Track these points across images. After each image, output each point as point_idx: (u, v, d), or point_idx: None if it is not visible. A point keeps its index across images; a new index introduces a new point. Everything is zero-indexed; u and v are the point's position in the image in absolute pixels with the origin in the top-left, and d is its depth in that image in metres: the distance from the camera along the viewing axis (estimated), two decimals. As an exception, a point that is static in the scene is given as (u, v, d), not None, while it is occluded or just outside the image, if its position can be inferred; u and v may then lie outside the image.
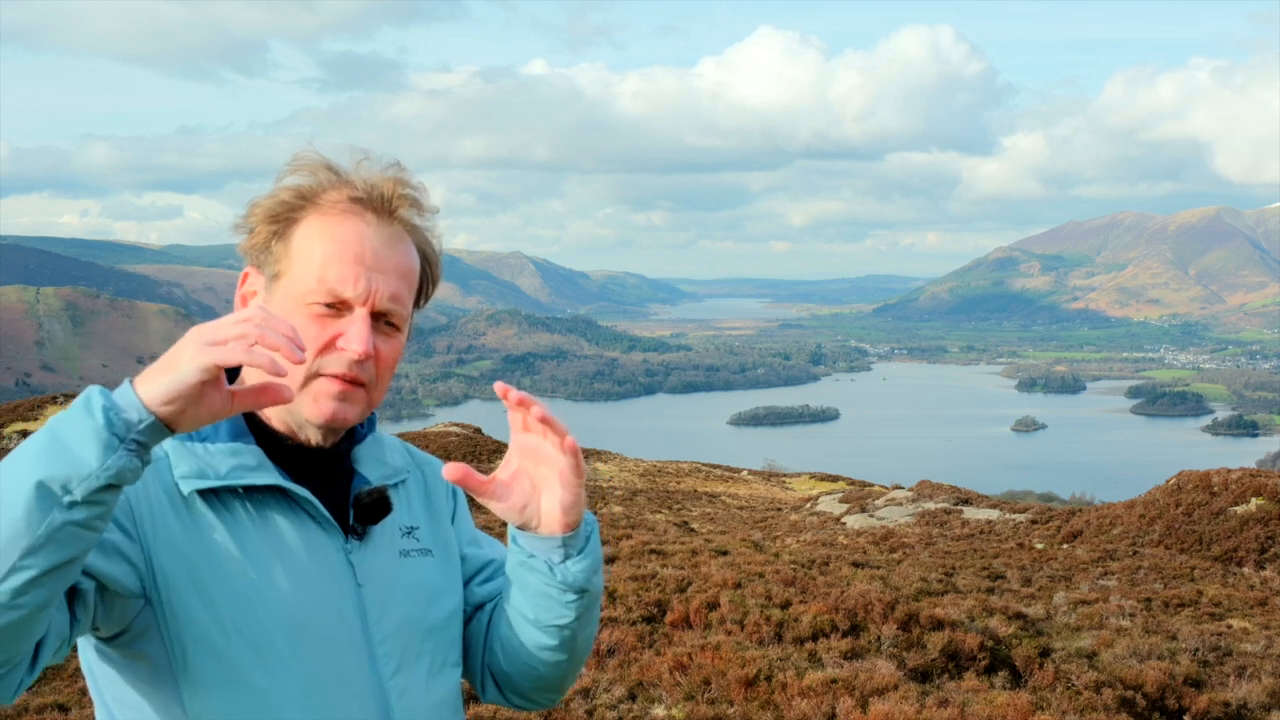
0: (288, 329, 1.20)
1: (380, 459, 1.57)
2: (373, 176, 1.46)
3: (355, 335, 1.41)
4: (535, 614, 1.50)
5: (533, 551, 1.45)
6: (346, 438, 1.54)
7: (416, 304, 1.55)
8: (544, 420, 1.35)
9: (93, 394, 1.15)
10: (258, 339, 1.17)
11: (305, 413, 1.44)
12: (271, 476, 1.41)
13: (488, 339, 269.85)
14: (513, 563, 1.49)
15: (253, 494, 1.41)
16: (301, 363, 1.20)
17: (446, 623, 1.56)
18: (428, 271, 1.54)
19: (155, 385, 1.16)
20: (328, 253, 1.42)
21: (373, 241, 1.44)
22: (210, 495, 1.38)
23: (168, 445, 1.39)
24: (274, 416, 1.47)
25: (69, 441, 1.12)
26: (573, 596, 1.47)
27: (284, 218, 1.45)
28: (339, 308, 1.42)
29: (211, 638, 1.33)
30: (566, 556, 1.45)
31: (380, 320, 1.45)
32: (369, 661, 1.44)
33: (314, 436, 1.47)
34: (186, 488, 1.37)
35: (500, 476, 1.43)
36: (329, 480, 1.49)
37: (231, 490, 1.39)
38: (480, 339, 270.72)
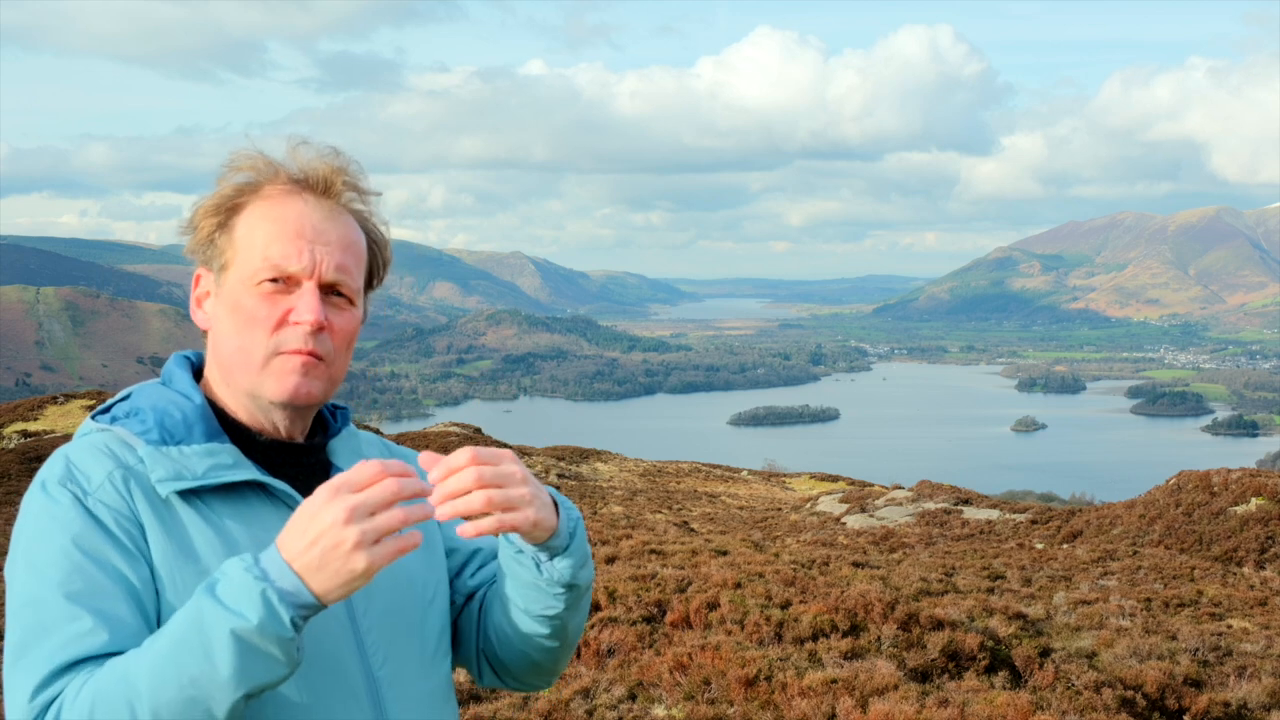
0: (416, 487, 1.26)
1: (356, 452, 1.58)
2: (308, 160, 1.48)
3: (306, 306, 1.42)
4: (526, 604, 1.51)
5: (520, 547, 1.47)
6: (321, 431, 1.56)
7: (370, 285, 1.56)
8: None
9: (275, 604, 1.21)
10: (405, 518, 1.24)
11: (268, 392, 1.44)
12: (249, 472, 1.42)
13: (488, 339, 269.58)
14: (503, 555, 1.50)
15: (232, 491, 1.42)
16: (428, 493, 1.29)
17: (433, 611, 1.57)
18: (376, 252, 1.55)
19: (336, 590, 1.24)
20: (269, 232, 1.44)
21: (312, 217, 1.46)
22: (190, 495, 1.39)
23: (143, 451, 1.40)
24: (241, 410, 1.48)
25: (267, 653, 1.21)
26: (560, 590, 1.49)
27: (226, 209, 1.47)
28: (287, 283, 1.43)
29: None
30: (552, 555, 1.46)
31: (330, 292, 1.46)
32: (357, 652, 1.45)
33: (280, 420, 1.48)
34: (164, 490, 1.37)
35: None
36: (306, 474, 1.50)
37: (211, 489, 1.40)
38: (480, 339, 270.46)
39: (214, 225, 1.47)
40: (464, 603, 1.65)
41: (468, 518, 1.33)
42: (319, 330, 1.43)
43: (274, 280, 1.43)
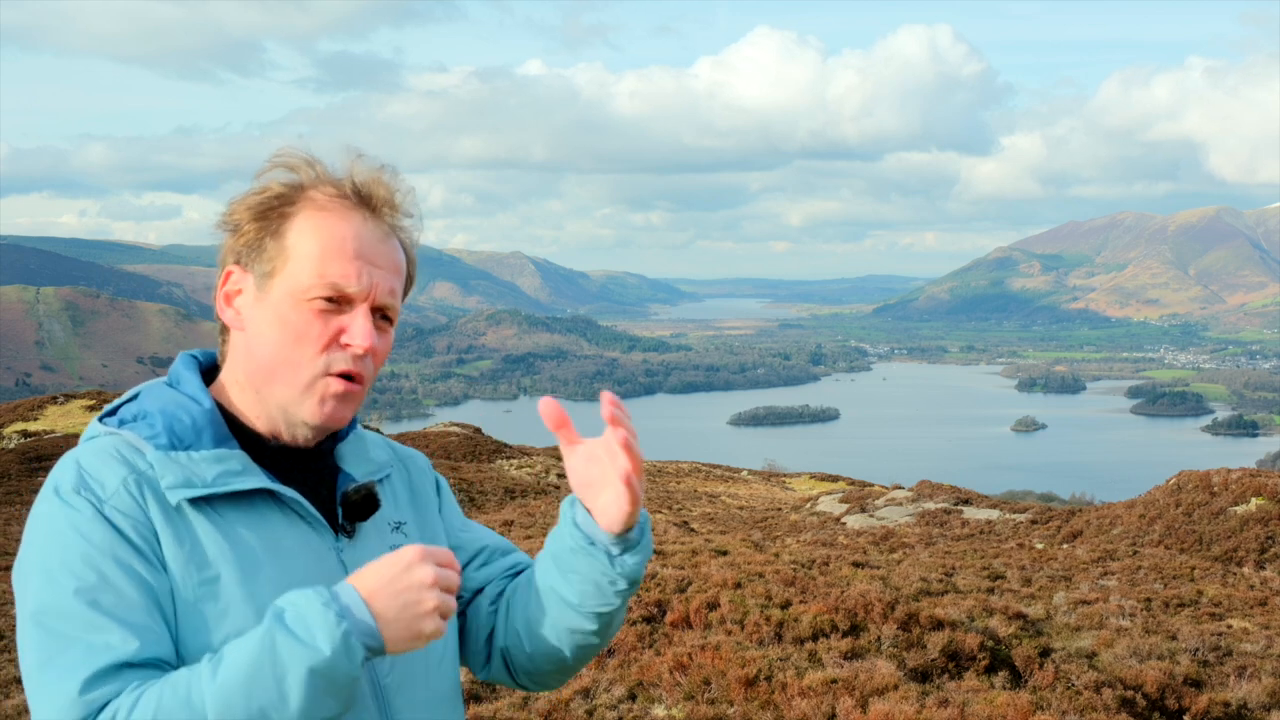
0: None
1: (364, 455, 1.57)
2: (366, 175, 1.47)
3: (360, 330, 1.42)
4: (580, 599, 1.51)
5: (594, 539, 1.47)
6: (330, 436, 1.54)
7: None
8: (625, 446, 1.41)
9: (353, 641, 1.24)
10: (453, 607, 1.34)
11: (305, 414, 1.44)
12: (259, 480, 1.41)
13: (488, 339, 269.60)
14: (565, 546, 1.50)
15: (242, 498, 1.41)
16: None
17: None
18: (410, 271, 1.56)
19: (400, 642, 1.29)
20: (327, 248, 1.42)
21: (370, 238, 1.45)
22: (201, 503, 1.38)
23: (152, 457, 1.38)
24: (261, 418, 1.47)
25: (335, 690, 1.25)
26: (624, 586, 1.49)
27: (276, 213, 1.45)
28: (340, 303, 1.42)
29: (200, 646, 1.33)
30: (625, 549, 1.47)
31: (377, 315, 1.46)
32: None
33: (303, 434, 1.47)
34: (174, 498, 1.36)
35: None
36: (315, 479, 1.49)
37: (221, 496, 1.39)
38: (480, 339, 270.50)
39: (262, 229, 1.44)
40: (471, 598, 1.64)
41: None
42: (369, 354, 1.44)
43: (329, 299, 1.42)
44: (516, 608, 1.60)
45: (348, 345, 1.42)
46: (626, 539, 1.46)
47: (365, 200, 1.46)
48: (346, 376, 1.43)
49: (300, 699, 1.21)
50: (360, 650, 1.23)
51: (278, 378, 1.43)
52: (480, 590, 1.64)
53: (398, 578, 1.27)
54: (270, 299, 1.43)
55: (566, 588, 1.51)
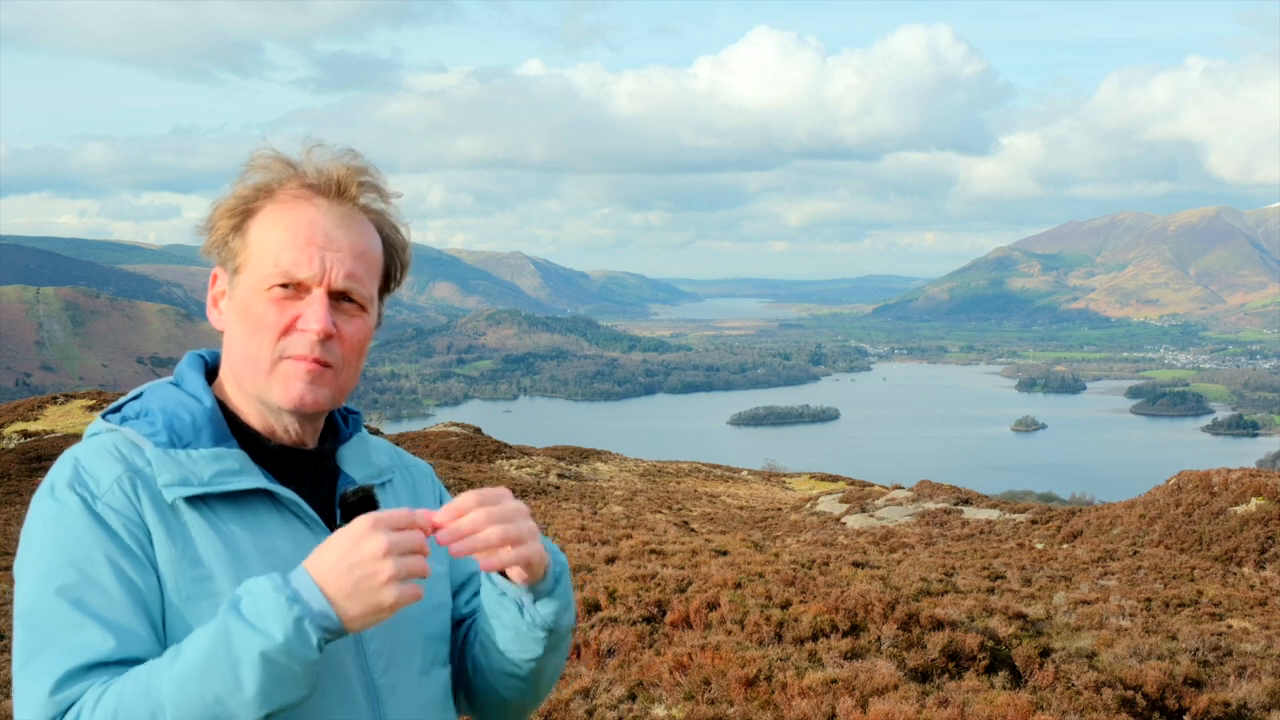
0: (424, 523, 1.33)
1: (366, 459, 1.58)
2: (324, 162, 1.48)
3: (313, 315, 1.42)
4: (505, 645, 1.51)
5: (504, 590, 1.47)
6: (331, 437, 1.55)
7: (387, 288, 1.55)
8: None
9: (305, 625, 1.24)
10: (423, 568, 1.31)
11: (274, 398, 1.44)
12: (255, 480, 1.42)
13: (488, 339, 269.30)
14: (486, 598, 1.51)
15: (238, 498, 1.42)
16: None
17: (437, 620, 1.56)
18: (394, 255, 1.54)
19: (361, 619, 1.27)
20: (281, 238, 1.44)
21: (324, 223, 1.45)
22: (197, 501, 1.39)
23: (150, 454, 1.40)
24: (252, 414, 1.48)
25: (292, 674, 1.23)
26: (541, 634, 1.49)
27: (241, 211, 1.47)
28: (297, 290, 1.43)
29: None
30: (536, 598, 1.47)
31: (340, 300, 1.46)
32: (359, 660, 1.45)
33: (289, 425, 1.48)
34: (170, 495, 1.37)
35: None
36: (314, 480, 1.50)
37: (217, 495, 1.40)
38: (480, 339, 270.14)
39: (229, 227, 1.47)
40: (456, 623, 1.64)
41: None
42: (326, 338, 1.43)
43: (284, 286, 1.43)
44: (469, 644, 1.61)
45: (304, 330, 1.43)
46: (536, 589, 1.46)
47: (322, 187, 1.47)
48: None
49: (255, 684, 1.21)
50: (315, 633, 1.23)
51: (246, 370, 1.45)
52: (461, 621, 1.64)
53: (348, 553, 1.26)
54: (237, 294, 1.46)
55: (495, 633, 1.52)
